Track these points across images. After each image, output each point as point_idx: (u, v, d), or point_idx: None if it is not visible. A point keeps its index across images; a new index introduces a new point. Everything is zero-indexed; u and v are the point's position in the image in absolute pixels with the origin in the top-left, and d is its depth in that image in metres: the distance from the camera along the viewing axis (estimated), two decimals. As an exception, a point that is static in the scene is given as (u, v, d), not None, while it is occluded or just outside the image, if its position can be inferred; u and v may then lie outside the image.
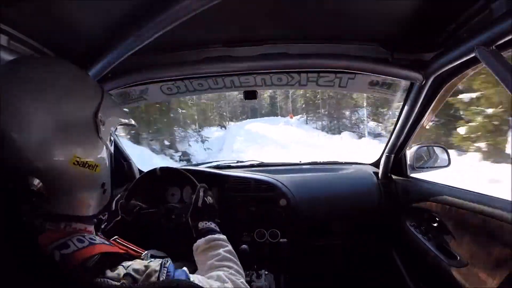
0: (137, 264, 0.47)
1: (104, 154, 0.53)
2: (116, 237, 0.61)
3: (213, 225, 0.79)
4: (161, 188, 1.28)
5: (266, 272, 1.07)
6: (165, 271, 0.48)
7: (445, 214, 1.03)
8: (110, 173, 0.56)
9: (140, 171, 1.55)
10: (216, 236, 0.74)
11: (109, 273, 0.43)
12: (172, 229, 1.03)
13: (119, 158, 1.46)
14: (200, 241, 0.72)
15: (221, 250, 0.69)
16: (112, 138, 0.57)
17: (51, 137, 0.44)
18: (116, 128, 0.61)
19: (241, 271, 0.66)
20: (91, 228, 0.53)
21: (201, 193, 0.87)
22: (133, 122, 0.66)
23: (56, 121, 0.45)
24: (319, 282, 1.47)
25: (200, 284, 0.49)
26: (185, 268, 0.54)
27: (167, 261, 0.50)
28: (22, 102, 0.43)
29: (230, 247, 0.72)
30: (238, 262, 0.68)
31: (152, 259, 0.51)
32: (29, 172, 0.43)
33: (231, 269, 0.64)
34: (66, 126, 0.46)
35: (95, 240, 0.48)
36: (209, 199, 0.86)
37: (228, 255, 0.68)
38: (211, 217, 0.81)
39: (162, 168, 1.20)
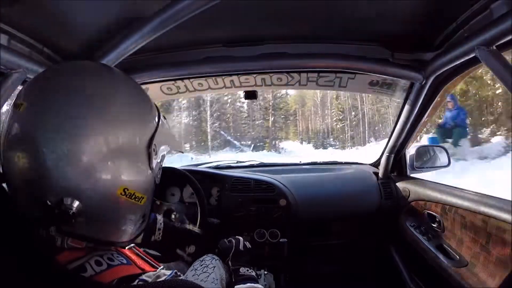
0: (152, 273, 0.47)
1: (151, 185, 0.49)
2: (132, 245, 0.59)
3: (253, 273, 0.81)
4: (161, 188, 1.28)
5: (266, 272, 1.06)
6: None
7: (445, 214, 1.03)
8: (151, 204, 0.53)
9: None
10: (256, 285, 0.75)
11: None
12: (172, 229, 1.03)
13: None
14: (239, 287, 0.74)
15: None
16: (160, 168, 0.53)
17: (102, 162, 0.41)
18: (163, 158, 0.55)
19: None
20: None
21: (242, 238, 0.92)
22: (182, 150, 0.61)
23: (110, 144, 0.41)
24: (319, 282, 1.47)
25: None
26: None
27: (181, 274, 0.50)
28: (81, 119, 0.40)
29: None
30: None
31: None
32: (68, 193, 0.40)
33: None
34: (119, 151, 0.42)
35: (113, 261, 0.45)
36: (248, 244, 0.92)
37: None
38: (250, 262, 0.85)
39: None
